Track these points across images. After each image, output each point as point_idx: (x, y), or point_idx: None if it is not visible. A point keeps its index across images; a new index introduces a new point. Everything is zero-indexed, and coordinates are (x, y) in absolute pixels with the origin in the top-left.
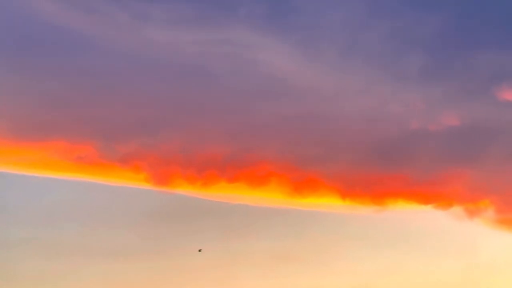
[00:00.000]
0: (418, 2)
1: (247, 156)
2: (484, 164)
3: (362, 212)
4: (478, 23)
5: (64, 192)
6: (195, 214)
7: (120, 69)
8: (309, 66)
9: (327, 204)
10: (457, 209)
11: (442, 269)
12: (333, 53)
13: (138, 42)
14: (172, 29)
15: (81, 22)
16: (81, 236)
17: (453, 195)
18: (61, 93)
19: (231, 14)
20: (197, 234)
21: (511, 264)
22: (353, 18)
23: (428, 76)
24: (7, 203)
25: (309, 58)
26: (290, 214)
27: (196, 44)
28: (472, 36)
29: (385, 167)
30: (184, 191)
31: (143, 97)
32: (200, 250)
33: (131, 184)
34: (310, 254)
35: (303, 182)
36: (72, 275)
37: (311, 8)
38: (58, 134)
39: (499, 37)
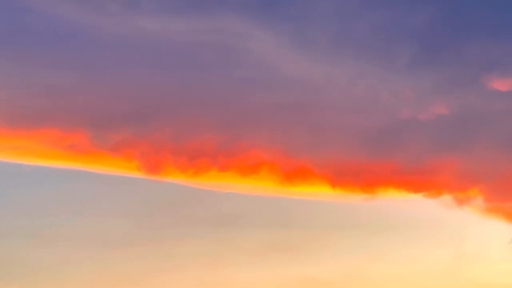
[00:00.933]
0: None
1: (238, 144)
2: (474, 153)
3: (352, 200)
4: (468, 14)
5: (56, 181)
6: (187, 202)
7: (111, 58)
8: (299, 55)
9: (317, 193)
10: (447, 198)
11: (432, 257)
12: (323, 43)
13: (129, 31)
14: (163, 18)
15: (72, 11)
16: (72, 224)
17: (443, 184)
18: (52, 81)
19: (222, 3)
20: (189, 222)
21: (499, 251)
22: (344, 8)
23: (418, 66)
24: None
25: (300, 47)
26: (280, 203)
27: (187, 33)
28: (461, 26)
29: (375, 156)
30: (176, 179)
31: (135, 86)
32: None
33: (122, 172)
34: (300, 242)
35: (293, 171)
36: (64, 263)
37: None
38: (49, 123)
39: (488, 27)
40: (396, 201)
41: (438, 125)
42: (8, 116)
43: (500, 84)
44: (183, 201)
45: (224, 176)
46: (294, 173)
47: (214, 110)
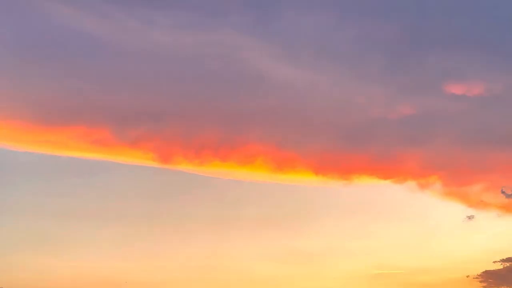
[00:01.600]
0: (378, 12)
1: (237, 139)
2: (434, 146)
3: (332, 185)
4: (428, 29)
5: (83, 170)
6: (194, 188)
7: (129, 67)
8: (287, 64)
9: (303, 179)
10: (411, 183)
11: (399, 232)
12: (307, 54)
13: (145, 44)
14: (173, 33)
15: (97, 27)
16: (97, 205)
17: (408, 172)
18: (80, 86)
19: (223, 20)
20: (195, 204)
21: (455, 227)
22: (324, 25)
23: (387, 73)
24: (36, 178)
25: (288, 57)
26: (273, 187)
27: (194, 46)
28: (423, 40)
29: (351, 149)
30: (184, 168)
31: (150, 90)
32: None
33: (140, 162)
34: (289, 220)
35: (283, 161)
36: (89, 239)
37: (289, 16)
38: (78, 120)
39: (445, 41)
40: (369, 186)
41: (404, 123)
42: (43, 115)
43: (455, 89)
44: (190, 186)
45: (225, 166)
46: (284, 163)
47: (217, 111)
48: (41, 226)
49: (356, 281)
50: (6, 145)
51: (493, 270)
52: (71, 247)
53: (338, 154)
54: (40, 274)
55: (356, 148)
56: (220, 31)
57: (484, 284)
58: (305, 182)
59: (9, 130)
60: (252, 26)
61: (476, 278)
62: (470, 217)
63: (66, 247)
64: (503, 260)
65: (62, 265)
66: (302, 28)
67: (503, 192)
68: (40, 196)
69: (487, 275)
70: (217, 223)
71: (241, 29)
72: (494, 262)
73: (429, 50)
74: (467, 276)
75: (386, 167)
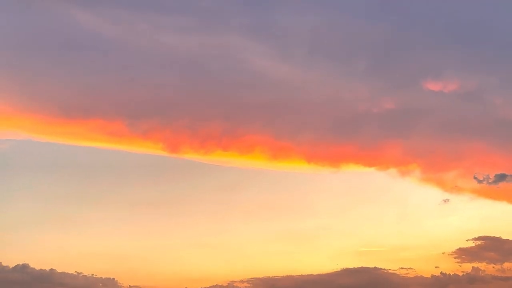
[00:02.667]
0: (365, 16)
1: (237, 131)
2: (413, 137)
3: (323, 172)
4: (409, 30)
5: (100, 158)
6: (198, 174)
7: (141, 65)
8: (283, 63)
9: (297, 167)
10: (393, 170)
11: (382, 215)
12: (300, 54)
13: (154, 45)
14: (180, 35)
15: (111, 30)
16: (112, 191)
17: (390, 160)
18: (97, 83)
19: (225, 24)
20: (200, 189)
21: (432, 210)
22: (316, 27)
23: (372, 71)
24: (57, 167)
25: (283, 57)
26: (269, 174)
27: (199, 47)
28: (404, 41)
29: (340, 139)
30: (190, 157)
31: (159, 86)
32: None
33: (151, 152)
34: (284, 204)
35: (279, 150)
36: (106, 220)
37: (284, 20)
38: (95, 114)
39: (424, 42)
40: (356, 173)
41: (387, 116)
42: (64, 109)
43: (433, 86)
44: (196, 173)
45: (227, 155)
46: (279, 152)
47: (219, 105)
48: (63, 209)
49: (345, 257)
50: (31, 136)
51: (466, 248)
52: (89, 228)
53: (328, 144)
54: (61, 252)
55: (344, 139)
56: (222, 33)
57: (458, 260)
58: (299, 170)
59: (33, 123)
60: (251, 29)
61: (451, 254)
62: (445, 201)
63: (85, 228)
64: (475, 239)
65: (81, 244)
66: (296, 31)
67: (475, 178)
68: (61, 183)
69: (460, 252)
70: (219, 206)
71: (241, 32)
72: (467, 240)
73: (410, 51)
74: (443, 253)
75: (371, 156)
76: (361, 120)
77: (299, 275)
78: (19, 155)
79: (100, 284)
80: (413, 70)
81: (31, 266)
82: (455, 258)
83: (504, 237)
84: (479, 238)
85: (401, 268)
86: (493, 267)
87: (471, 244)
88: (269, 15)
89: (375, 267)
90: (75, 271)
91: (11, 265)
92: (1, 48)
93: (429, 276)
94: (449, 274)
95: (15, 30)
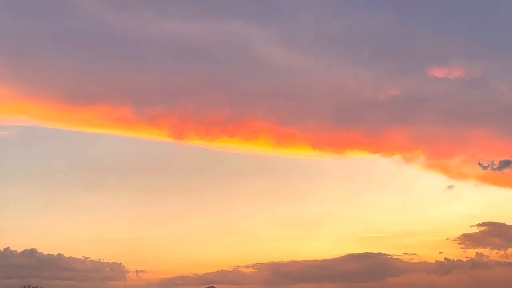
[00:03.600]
0: (369, 3)
1: (242, 118)
2: (418, 123)
3: (327, 159)
4: (414, 18)
5: (106, 145)
6: (204, 160)
7: (147, 52)
8: (287, 50)
9: (301, 153)
10: (397, 157)
11: (386, 201)
12: (305, 41)
13: (159, 32)
14: (185, 22)
15: (117, 18)
16: (118, 176)
17: (394, 146)
18: (103, 70)
19: (230, 11)
20: (206, 175)
21: (437, 196)
22: (320, 15)
23: (376, 58)
24: (63, 152)
25: (288, 45)
26: (274, 161)
27: (203, 33)
28: (409, 28)
29: (344, 126)
30: (196, 143)
31: (165, 73)
32: None
33: (156, 138)
34: (289, 189)
35: (284, 137)
36: (113, 204)
37: (289, 7)
38: (101, 101)
39: (429, 29)
40: (360, 160)
41: (391, 103)
42: (71, 96)
43: (438, 72)
44: (201, 159)
45: (232, 141)
46: (284, 139)
47: (225, 92)
48: (71, 195)
49: (349, 243)
50: (36, 122)
51: (470, 234)
52: (96, 214)
53: (333, 130)
54: (69, 237)
55: (348, 126)
56: (227, 21)
57: (462, 246)
58: (303, 156)
59: (39, 109)
60: (256, 16)
61: (455, 240)
62: (450, 187)
63: (92, 214)
64: (479, 225)
65: (88, 229)
66: (301, 18)
67: (480, 164)
68: (67, 169)
69: (465, 238)
70: (224, 191)
71: (246, 19)
72: (471, 226)
73: (414, 38)
74: (447, 239)
75: (375, 142)
76: (366, 107)
77: (304, 260)
78: (24, 141)
79: (107, 269)
80: (418, 57)
81: (39, 251)
82: (459, 243)
83: (508, 223)
84: (483, 224)
85: (405, 253)
86: (497, 253)
87: (475, 230)
88: (274, 3)
89: (379, 252)
90: (83, 256)
91: (19, 250)
92: (7, 35)
93: (433, 261)
94: (453, 260)
95: (21, 17)
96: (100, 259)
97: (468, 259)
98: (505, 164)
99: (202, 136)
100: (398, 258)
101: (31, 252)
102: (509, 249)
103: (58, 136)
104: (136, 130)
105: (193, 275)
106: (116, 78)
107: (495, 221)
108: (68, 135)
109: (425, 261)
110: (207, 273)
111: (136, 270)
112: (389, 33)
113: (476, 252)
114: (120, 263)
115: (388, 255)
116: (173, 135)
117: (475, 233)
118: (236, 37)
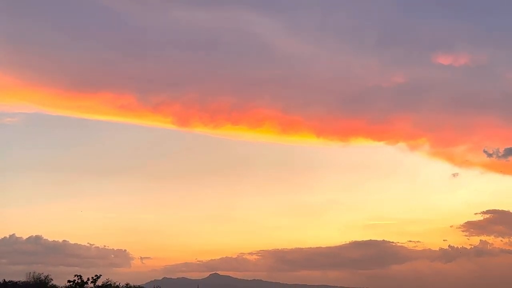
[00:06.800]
0: None
1: (247, 105)
2: (423, 111)
3: (332, 146)
4: (418, 5)
5: (110, 131)
6: (209, 148)
7: (152, 40)
8: (292, 38)
9: (306, 141)
10: (402, 145)
11: (390, 188)
12: (310, 29)
13: (165, 19)
14: (190, 10)
15: (122, 5)
16: (123, 164)
17: (399, 134)
18: (108, 57)
19: None
20: (210, 162)
21: (441, 184)
22: (325, 2)
23: (381, 46)
24: (68, 139)
25: (293, 32)
26: (278, 148)
27: (209, 21)
28: (413, 15)
29: (349, 113)
30: (200, 131)
31: (170, 60)
32: None
33: (160, 125)
34: (293, 177)
35: (288, 125)
36: (118, 191)
37: None
38: (106, 88)
39: (434, 15)
40: (365, 147)
41: (397, 90)
42: (76, 83)
43: (443, 59)
44: (206, 146)
45: (236, 129)
46: (288, 126)
47: (229, 79)
48: (75, 182)
49: (353, 230)
50: (41, 109)
51: (475, 221)
52: (101, 201)
53: (338, 118)
54: (74, 223)
55: (353, 113)
56: (232, 9)
57: (466, 233)
58: (308, 144)
59: (43, 96)
60: (261, 4)
61: (459, 228)
62: (455, 175)
63: (97, 201)
64: (483, 212)
65: (93, 216)
66: (306, 5)
67: (485, 152)
68: (71, 156)
69: (469, 225)
70: (228, 179)
71: (251, 6)
72: (476, 214)
73: (419, 26)
74: (451, 226)
75: (380, 130)
76: (371, 95)
77: (308, 248)
78: (29, 128)
79: (112, 256)
80: (423, 44)
81: (44, 238)
82: (463, 231)
83: None
84: (487, 212)
85: (410, 241)
86: (501, 241)
87: (480, 217)
88: None
89: (383, 240)
90: (88, 243)
91: (25, 237)
92: (12, 23)
93: (437, 249)
94: (457, 247)
95: (26, 6)
96: (105, 246)
97: (472, 246)
98: (510, 152)
99: (206, 124)
100: (402, 246)
101: (36, 239)
102: None
103: (62, 123)
104: (141, 117)
105: (197, 262)
106: (120, 66)
107: (500, 208)
108: (72, 122)
109: (429, 248)
110: (211, 259)
111: (141, 257)
112: (394, 20)
113: (480, 240)
114: (125, 250)
115: (393, 242)
116: (177, 123)
117: (480, 221)
118: (241, 25)
